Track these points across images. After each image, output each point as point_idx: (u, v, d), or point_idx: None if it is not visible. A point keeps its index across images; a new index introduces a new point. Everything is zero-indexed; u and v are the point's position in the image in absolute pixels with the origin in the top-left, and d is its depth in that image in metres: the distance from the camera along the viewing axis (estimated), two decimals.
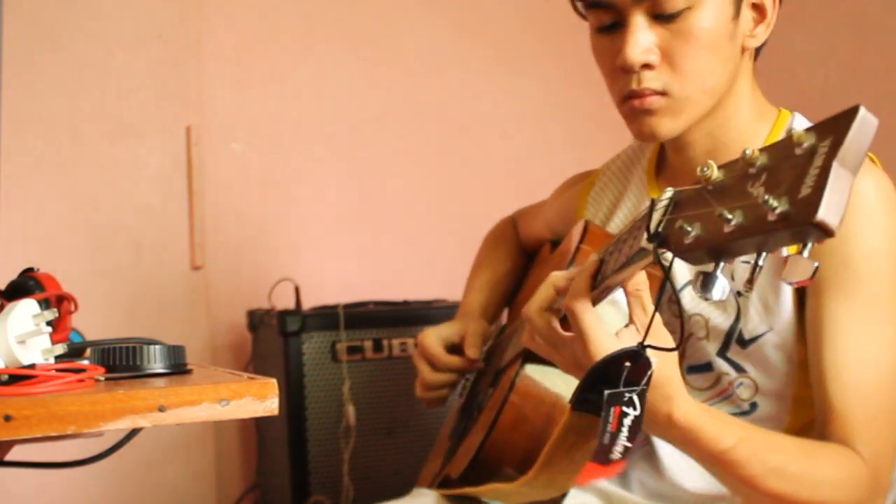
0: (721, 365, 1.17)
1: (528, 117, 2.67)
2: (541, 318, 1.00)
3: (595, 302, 0.94)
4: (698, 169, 0.76)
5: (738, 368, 1.17)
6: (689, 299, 1.17)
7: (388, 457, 2.11)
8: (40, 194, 2.16)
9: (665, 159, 1.29)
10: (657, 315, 0.91)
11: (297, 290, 2.16)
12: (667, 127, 1.14)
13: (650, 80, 1.12)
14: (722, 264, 0.75)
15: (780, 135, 1.17)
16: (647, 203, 0.83)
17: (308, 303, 2.18)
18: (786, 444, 1.05)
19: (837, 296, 1.07)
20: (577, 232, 1.28)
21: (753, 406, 1.17)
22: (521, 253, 1.65)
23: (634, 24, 1.11)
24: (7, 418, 0.74)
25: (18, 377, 0.81)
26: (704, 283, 0.75)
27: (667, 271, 0.80)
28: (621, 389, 0.85)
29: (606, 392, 0.84)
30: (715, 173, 0.75)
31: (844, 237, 1.06)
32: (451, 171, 2.58)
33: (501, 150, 2.65)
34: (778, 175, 0.69)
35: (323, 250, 2.45)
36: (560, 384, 1.20)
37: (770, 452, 1.01)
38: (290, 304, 2.15)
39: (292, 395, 2.05)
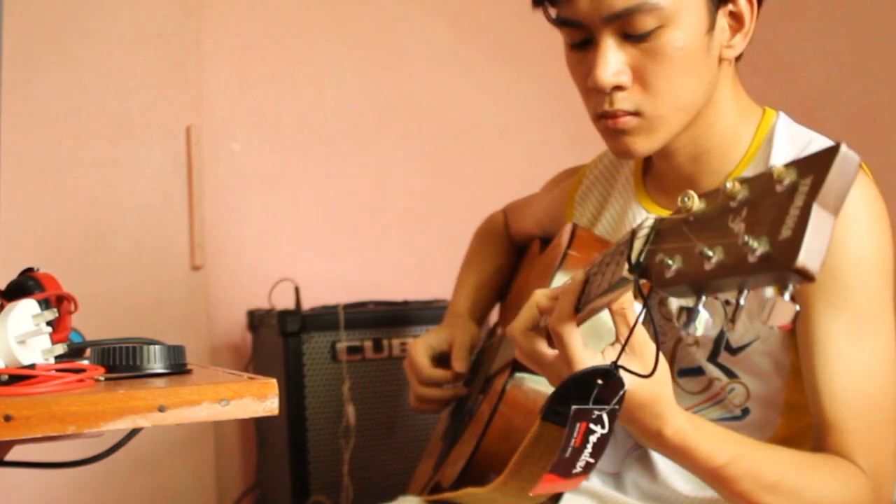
0: (712, 370, 1.16)
1: (528, 117, 2.67)
2: (525, 338, 1.01)
3: (581, 321, 0.94)
4: (679, 199, 0.75)
5: (730, 374, 1.16)
6: (678, 305, 1.17)
7: (388, 457, 2.11)
8: (40, 194, 2.16)
9: (651, 162, 1.28)
10: (645, 334, 0.91)
11: (297, 290, 2.16)
12: (642, 146, 1.13)
13: (622, 102, 1.10)
14: (703, 299, 0.74)
15: (764, 137, 1.17)
16: (629, 230, 0.83)
17: (308, 303, 2.18)
18: (783, 458, 1.04)
19: (827, 308, 1.06)
20: (565, 235, 1.28)
21: (745, 411, 1.17)
22: (511, 248, 1.63)
23: (605, 46, 1.08)
24: (7, 418, 0.74)
25: (18, 377, 0.81)
26: (687, 318, 0.74)
27: (647, 302, 0.80)
28: (590, 406, 0.85)
29: (573, 407, 0.84)
30: (696, 204, 0.74)
31: (831, 248, 1.06)
32: (450, 171, 2.58)
33: (501, 150, 2.65)
34: (759, 212, 0.67)
35: (323, 250, 2.45)
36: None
37: (766, 468, 1.01)
38: (290, 304, 2.15)
39: (292, 395, 2.05)
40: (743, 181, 0.70)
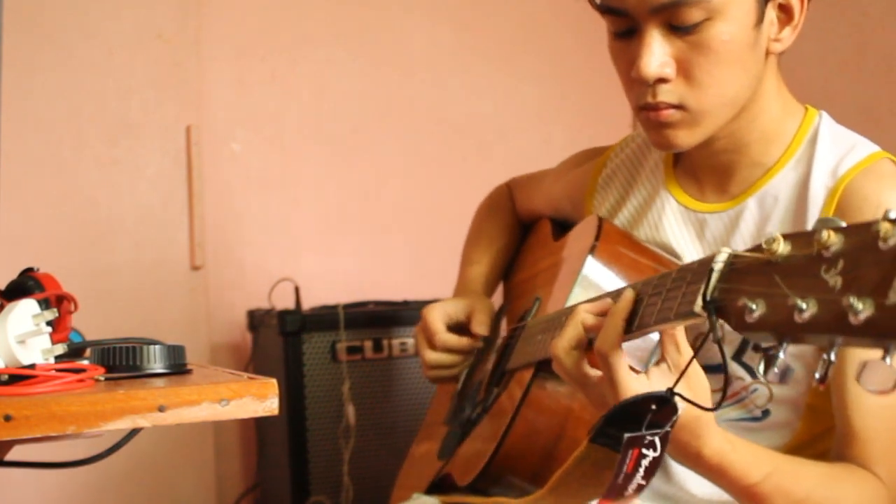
0: (735, 368, 1.15)
1: (528, 118, 2.67)
2: (569, 357, 0.99)
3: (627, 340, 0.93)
4: (763, 242, 0.71)
5: (754, 374, 1.14)
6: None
7: (388, 457, 2.10)
8: (40, 194, 2.16)
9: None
10: (689, 352, 0.91)
11: (297, 290, 2.16)
12: (684, 139, 1.11)
13: (665, 94, 1.08)
14: (786, 345, 0.70)
15: (807, 134, 1.15)
16: (698, 257, 0.80)
17: (308, 303, 2.18)
18: (811, 473, 1.05)
19: None
20: (589, 228, 1.24)
21: (766, 413, 1.15)
22: (517, 225, 1.60)
23: (650, 37, 1.06)
24: (7, 418, 0.74)
25: (18, 377, 0.81)
26: (770, 363, 0.71)
27: (721, 346, 0.77)
28: (643, 433, 0.83)
29: (626, 435, 0.83)
30: (782, 247, 0.70)
31: None
32: (450, 171, 2.58)
33: (501, 150, 2.65)
34: (859, 269, 0.63)
35: (323, 250, 2.45)
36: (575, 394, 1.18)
37: (796, 484, 1.02)
38: (290, 304, 2.15)
39: (292, 395, 2.04)
40: (838, 230, 0.66)
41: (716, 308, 0.76)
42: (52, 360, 0.91)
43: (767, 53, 1.12)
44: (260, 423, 2.26)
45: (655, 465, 0.85)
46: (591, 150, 1.46)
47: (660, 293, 0.88)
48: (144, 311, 2.24)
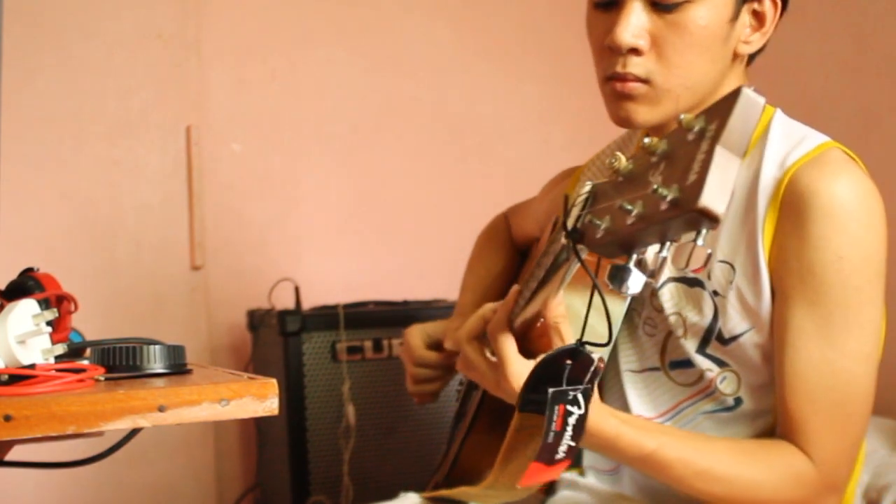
0: (701, 362, 1.17)
1: (528, 118, 2.67)
2: (470, 346, 1.09)
3: (526, 327, 1.01)
4: (607, 161, 0.76)
5: (721, 363, 1.17)
6: (668, 298, 1.18)
7: (388, 457, 2.11)
8: (40, 194, 2.16)
9: None
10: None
11: (297, 290, 2.16)
12: (643, 115, 1.14)
13: (634, 66, 1.12)
14: (634, 256, 0.75)
15: (762, 131, 1.17)
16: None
17: (308, 303, 2.18)
18: (715, 446, 1.10)
19: (802, 302, 1.08)
20: (548, 229, 1.29)
21: (738, 401, 1.17)
22: (514, 251, 1.65)
23: (630, 7, 1.11)
24: (7, 418, 0.74)
25: (18, 377, 0.81)
26: (618, 276, 0.75)
27: (591, 270, 0.82)
28: (565, 388, 0.87)
29: (551, 390, 0.86)
30: (623, 164, 0.75)
31: (814, 243, 1.06)
32: (450, 171, 2.58)
33: (501, 151, 2.65)
34: (673, 162, 0.69)
35: (323, 250, 2.45)
36: None
37: (696, 455, 1.07)
38: (290, 304, 2.15)
39: (292, 395, 2.05)
40: (662, 137, 0.71)
41: (578, 236, 0.80)
42: (52, 360, 0.91)
43: (735, 55, 1.16)
44: (260, 423, 2.26)
45: (581, 423, 0.88)
46: (565, 171, 1.51)
47: (541, 262, 0.93)
48: (144, 311, 2.24)
